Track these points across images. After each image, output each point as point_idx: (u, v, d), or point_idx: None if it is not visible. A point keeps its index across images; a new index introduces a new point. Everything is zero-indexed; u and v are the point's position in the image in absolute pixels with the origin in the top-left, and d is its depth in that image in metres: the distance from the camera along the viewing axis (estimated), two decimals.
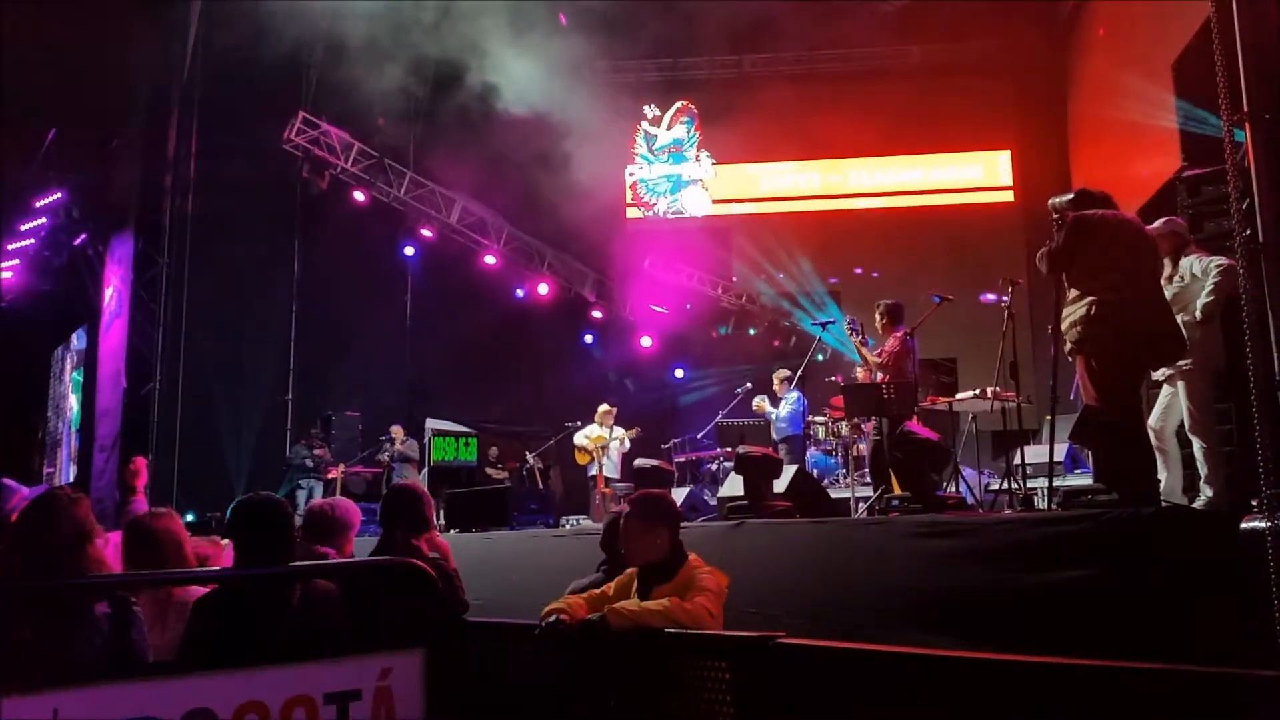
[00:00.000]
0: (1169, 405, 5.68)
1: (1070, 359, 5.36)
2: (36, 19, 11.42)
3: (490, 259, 16.26)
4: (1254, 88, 3.54)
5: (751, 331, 17.08)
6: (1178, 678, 2.42)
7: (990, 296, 7.50)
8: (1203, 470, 5.41)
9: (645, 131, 18.34)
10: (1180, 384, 5.54)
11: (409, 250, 15.96)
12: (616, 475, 11.76)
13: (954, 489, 7.46)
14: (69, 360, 15.90)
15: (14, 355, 15.09)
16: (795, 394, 10.62)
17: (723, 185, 18.14)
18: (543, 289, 16.74)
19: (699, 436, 11.93)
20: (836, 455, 11.03)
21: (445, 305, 16.25)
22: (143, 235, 13.11)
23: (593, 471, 11.85)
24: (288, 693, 2.71)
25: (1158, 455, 5.49)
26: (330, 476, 13.15)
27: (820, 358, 11.78)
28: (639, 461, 10.62)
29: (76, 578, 3.18)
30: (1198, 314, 5.49)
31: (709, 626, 3.53)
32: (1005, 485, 7.16)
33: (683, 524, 4.10)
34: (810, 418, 10.89)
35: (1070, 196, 5.45)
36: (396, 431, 13.33)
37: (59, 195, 14.26)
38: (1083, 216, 5.25)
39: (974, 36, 16.46)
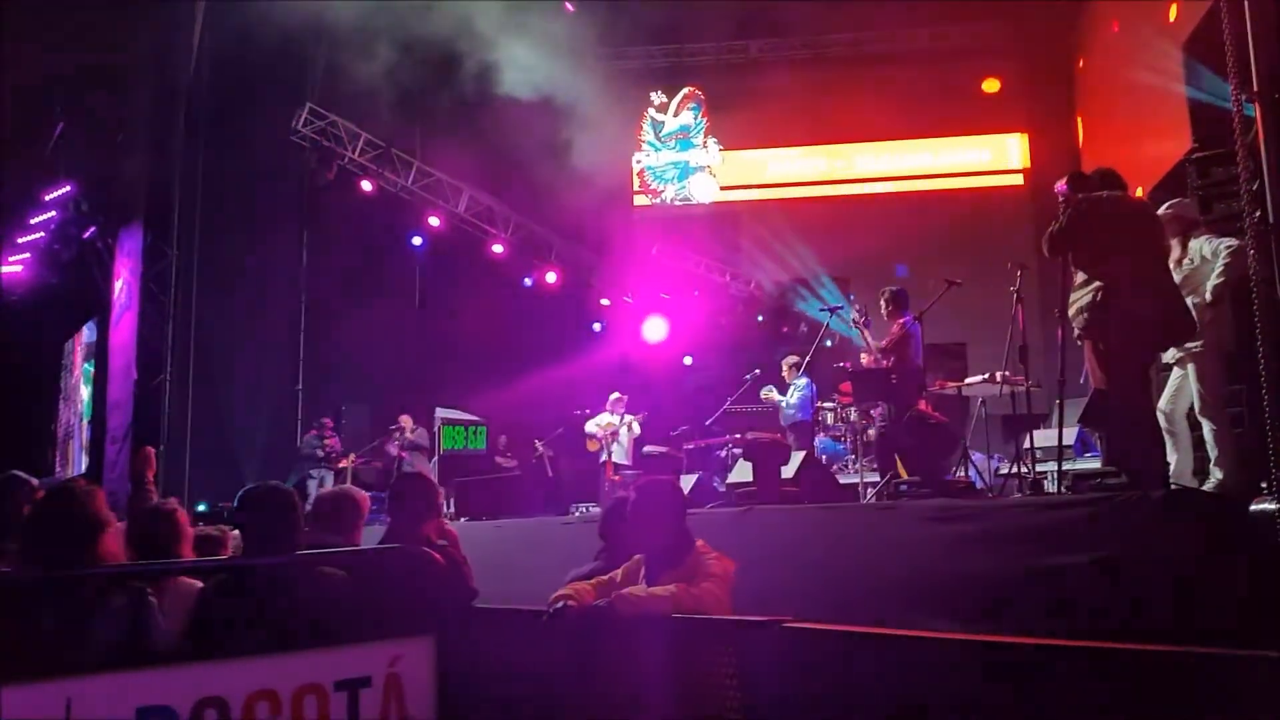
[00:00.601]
0: (1179, 388, 5.66)
1: (1079, 343, 5.34)
2: (44, 12, 11.44)
3: (498, 248, 16.26)
4: (1264, 68, 3.51)
5: (760, 318, 17.05)
6: (1187, 660, 2.42)
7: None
8: (1213, 453, 5.39)
9: (652, 118, 18.29)
10: (1190, 366, 5.52)
11: (417, 240, 15.98)
12: (628, 462, 11.78)
13: (963, 473, 7.45)
14: (79, 353, 15.97)
15: (25, 348, 15.16)
16: (804, 380, 10.61)
17: (730, 172, 18.08)
18: (550, 277, 16.74)
19: (707, 423, 11.93)
20: (845, 441, 11.02)
21: (453, 294, 16.28)
22: (151, 228, 13.12)
23: (603, 459, 11.87)
24: (299, 680, 2.73)
25: (1167, 438, 5.47)
26: (341, 466, 13.20)
27: (829, 344, 11.74)
28: (647, 448, 10.64)
29: (92, 568, 3.21)
30: (1208, 296, 5.46)
31: (716, 612, 3.54)
32: (1015, 469, 7.15)
33: (691, 510, 4.11)
34: (819, 403, 10.87)
35: (1066, 179, 5.42)
36: (405, 421, 13.37)
37: (68, 188, 14.29)
38: (1087, 199, 5.22)
39: (982, 19, 16.36)
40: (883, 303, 8.31)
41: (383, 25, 14.16)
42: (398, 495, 4.47)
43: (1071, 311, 5.16)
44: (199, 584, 3.45)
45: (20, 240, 14.76)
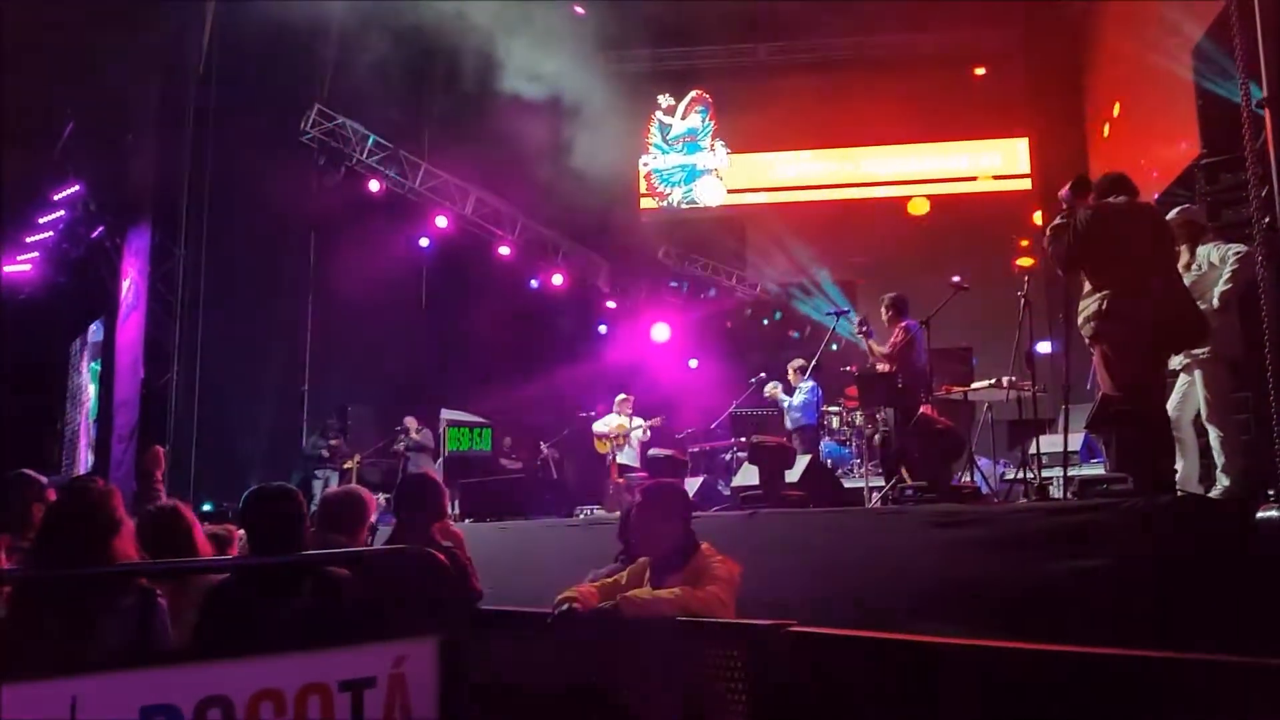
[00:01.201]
0: (1186, 394, 5.64)
1: (1090, 349, 5.33)
2: (54, 11, 11.48)
3: (505, 249, 16.28)
4: (1274, 73, 3.51)
5: (765, 321, 17.05)
6: (1192, 666, 2.41)
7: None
8: (1219, 459, 5.38)
9: (660, 121, 18.30)
10: (1198, 372, 5.50)
11: (424, 241, 16.00)
12: (636, 464, 11.78)
13: (969, 479, 7.43)
14: (86, 352, 16.02)
15: (33, 347, 15.21)
16: (810, 384, 10.60)
17: (737, 175, 18.08)
18: (557, 279, 16.76)
19: (713, 426, 11.92)
20: (850, 445, 11.00)
21: (460, 296, 16.29)
22: (159, 228, 13.18)
23: (609, 460, 11.88)
24: (303, 680, 2.73)
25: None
26: (346, 467, 13.22)
27: (834, 347, 11.73)
28: (653, 451, 10.63)
29: (105, 567, 3.23)
30: (1215, 302, 5.45)
31: (721, 615, 3.54)
32: (1021, 475, 7.13)
33: (696, 513, 4.11)
34: (825, 407, 10.86)
35: (1070, 185, 5.40)
36: (410, 423, 13.39)
37: (77, 188, 14.35)
38: (1094, 208, 5.20)
39: (990, 23, 16.35)
40: (883, 309, 8.31)
41: (391, 27, 14.20)
42: (403, 496, 4.48)
43: (1080, 319, 5.15)
44: (214, 579, 3.48)
45: (28, 240, 14.82)
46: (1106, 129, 15.06)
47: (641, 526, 3.93)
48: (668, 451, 10.48)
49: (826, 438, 11.00)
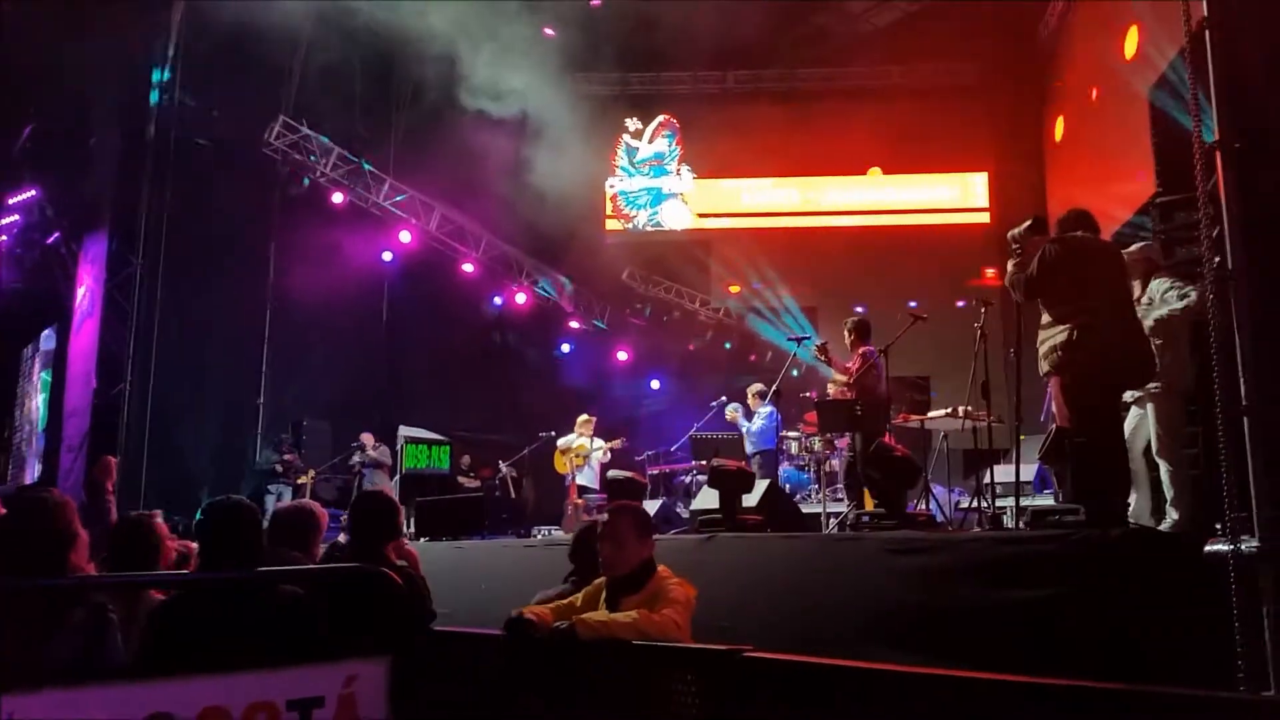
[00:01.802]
0: (1137, 426, 5.73)
1: (1044, 380, 5.40)
2: (15, 13, 11.33)
3: (469, 267, 16.25)
4: (1226, 118, 3.59)
5: (727, 345, 17.15)
6: (1141, 698, 2.44)
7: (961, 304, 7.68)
8: (1169, 493, 5.46)
9: (627, 144, 18.39)
10: (1150, 406, 5.59)
11: (387, 255, 15.91)
12: (595, 485, 11.74)
13: (924, 506, 7.49)
14: (38, 359, 15.71)
15: None
16: (769, 408, 10.64)
17: (702, 200, 18.21)
18: (520, 298, 16.75)
19: (673, 449, 11.93)
20: (809, 470, 11.06)
21: (422, 312, 16.20)
22: (117, 235, 12.99)
23: (568, 481, 11.83)
24: (250, 698, 2.68)
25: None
26: (300, 482, 13.05)
27: (795, 373, 11.81)
28: (612, 473, 10.58)
29: (58, 579, 3.16)
30: (1149, 323, 5.54)
31: (677, 639, 3.53)
32: (975, 504, 7.21)
33: (655, 536, 4.11)
34: (783, 432, 10.91)
35: (1028, 224, 5.50)
36: (366, 439, 13.26)
37: (33, 193, 14.11)
38: (1063, 239, 5.31)
39: (954, 59, 16.64)
40: (846, 332, 8.39)
41: (359, 42, 14.18)
42: (358, 513, 4.41)
43: (1043, 349, 5.22)
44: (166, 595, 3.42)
45: None
46: (1063, 163, 15.36)
47: (608, 547, 3.92)
48: (627, 473, 10.46)
49: (785, 462, 11.05)
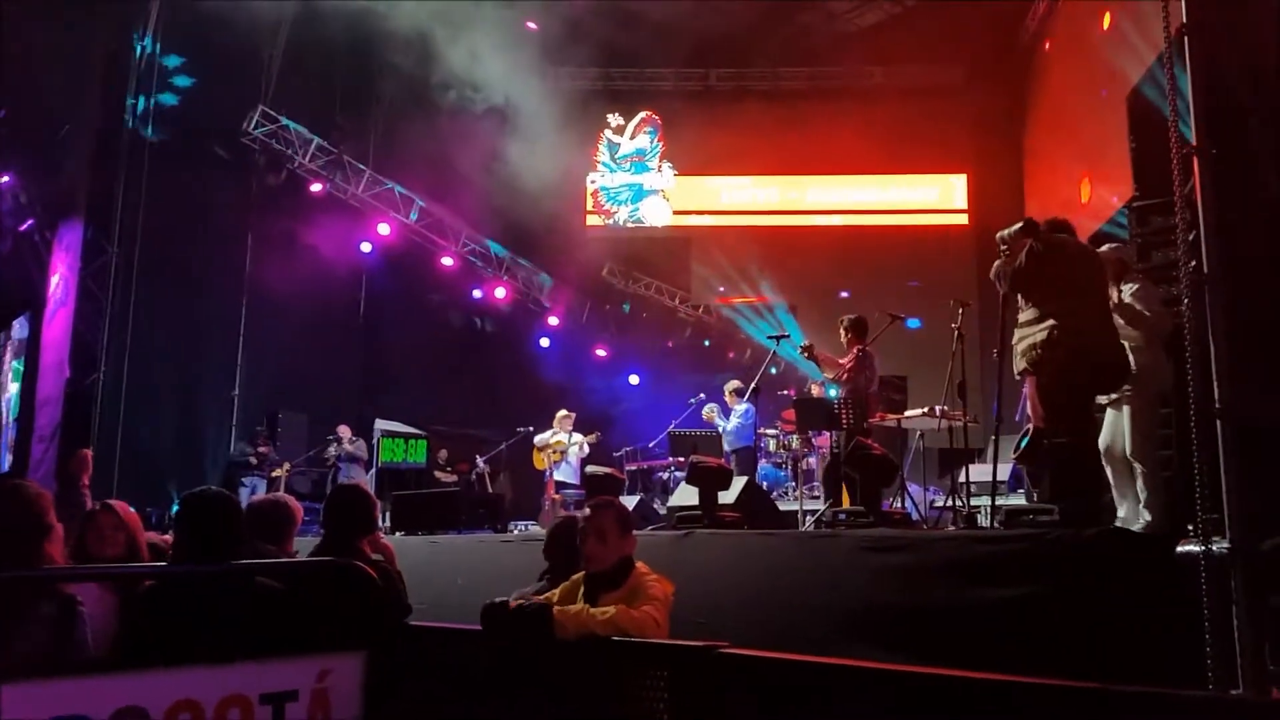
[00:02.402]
0: (1114, 428, 5.78)
1: (1019, 379, 5.44)
2: None
3: (448, 260, 16.19)
4: (1203, 123, 3.62)
5: (706, 343, 17.17)
6: (1112, 697, 2.46)
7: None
8: (1142, 494, 5.51)
9: (608, 140, 18.36)
10: (1125, 407, 5.64)
11: (366, 246, 15.83)
12: (575, 481, 11.73)
13: (900, 504, 7.53)
14: (10, 348, 15.51)
15: None
16: (745, 406, 10.66)
17: (683, 196, 18.21)
18: (500, 293, 16.71)
19: (650, 445, 11.93)
20: (786, 468, 11.09)
21: (400, 305, 16.15)
22: (93, 223, 12.83)
23: (547, 477, 11.82)
24: (223, 692, 2.67)
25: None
26: (274, 475, 12.97)
27: (774, 371, 11.84)
28: (590, 469, 10.58)
29: (32, 570, 3.13)
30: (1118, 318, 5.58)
31: (655, 635, 3.53)
32: (950, 502, 7.25)
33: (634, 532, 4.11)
34: (761, 430, 10.94)
35: (1019, 226, 5.54)
36: (343, 431, 13.19)
37: (6, 179, 13.92)
38: (1050, 239, 5.36)
39: (935, 61, 16.71)
40: (842, 330, 8.39)
41: (339, 32, 14.08)
42: (333, 507, 4.38)
43: (1022, 347, 5.26)
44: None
45: None
46: (1042, 166, 15.47)
47: (590, 541, 3.90)
48: (606, 469, 10.47)
49: (763, 460, 11.08)
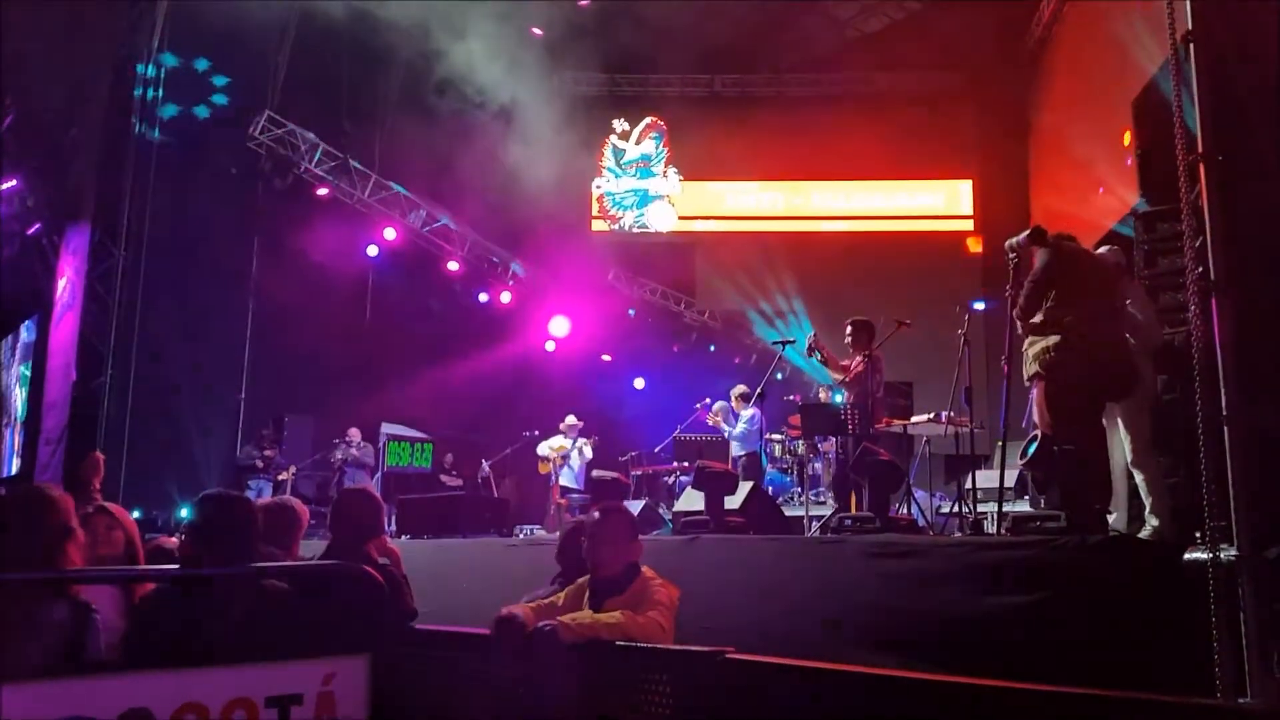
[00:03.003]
0: (1112, 438, 5.78)
1: (1028, 384, 5.44)
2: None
3: (453, 265, 16.21)
4: (1209, 130, 3.62)
5: (712, 348, 17.17)
6: (1119, 705, 2.45)
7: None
8: (1146, 501, 5.50)
9: (614, 145, 18.39)
10: (1119, 417, 5.63)
11: (372, 250, 15.85)
12: (579, 486, 11.73)
13: (906, 510, 7.52)
14: (18, 351, 15.55)
15: None
16: (752, 411, 10.65)
17: (688, 202, 18.22)
18: (505, 297, 16.73)
19: (656, 450, 11.93)
20: (791, 473, 11.08)
21: (406, 309, 16.15)
22: (99, 227, 12.85)
23: (552, 481, 11.83)
24: (228, 694, 2.67)
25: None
26: (280, 478, 12.98)
27: (779, 376, 11.82)
28: (597, 473, 10.59)
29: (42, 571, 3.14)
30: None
31: (661, 640, 3.53)
32: (956, 509, 7.24)
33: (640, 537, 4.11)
34: (767, 435, 10.93)
35: (1028, 233, 5.54)
36: (353, 434, 13.19)
37: (14, 183, 13.97)
38: (1061, 246, 5.39)
39: (941, 67, 16.71)
40: (847, 333, 8.38)
41: (346, 38, 14.12)
42: (339, 510, 4.39)
43: (1034, 351, 5.26)
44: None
45: None
46: (1047, 172, 15.44)
47: (598, 546, 3.90)
48: (613, 474, 10.48)
49: (769, 465, 11.07)
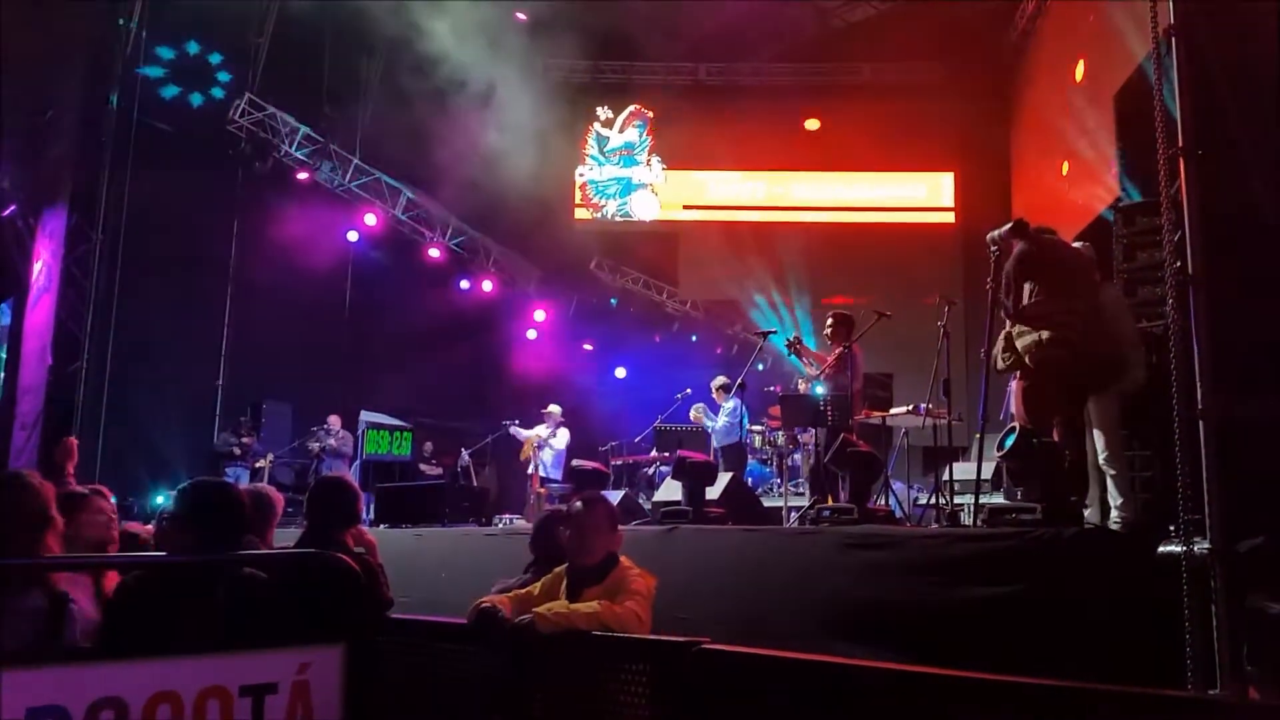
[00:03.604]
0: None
1: (1000, 373, 5.46)
2: None
3: (434, 252, 16.15)
4: (1190, 125, 3.64)
5: (694, 337, 17.18)
6: (1092, 696, 2.47)
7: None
8: (1115, 499, 5.53)
9: (597, 133, 18.33)
10: (1091, 412, 5.66)
11: (353, 235, 15.76)
12: (558, 476, 11.72)
13: (884, 502, 7.55)
14: None
15: None
16: (734, 402, 10.65)
17: (671, 191, 18.19)
18: (487, 285, 16.69)
19: (636, 440, 11.93)
20: (771, 464, 11.10)
21: (386, 296, 16.08)
22: (76, 210, 12.71)
23: (530, 470, 11.81)
24: (202, 683, 2.66)
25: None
26: (258, 466, 12.90)
27: (760, 367, 11.84)
28: (576, 462, 10.59)
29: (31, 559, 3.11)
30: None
31: (637, 630, 3.53)
32: (933, 500, 7.27)
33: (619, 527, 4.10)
34: (748, 426, 10.92)
35: (1009, 226, 5.56)
36: (333, 421, 13.11)
37: None
38: (1043, 240, 5.40)
39: (924, 58, 16.72)
40: (827, 325, 8.40)
41: (327, 24, 14.00)
42: (316, 499, 4.36)
43: (1023, 344, 5.27)
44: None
45: None
46: (1028, 165, 15.51)
47: (580, 536, 3.90)
48: (593, 463, 10.47)
49: (749, 456, 11.08)
